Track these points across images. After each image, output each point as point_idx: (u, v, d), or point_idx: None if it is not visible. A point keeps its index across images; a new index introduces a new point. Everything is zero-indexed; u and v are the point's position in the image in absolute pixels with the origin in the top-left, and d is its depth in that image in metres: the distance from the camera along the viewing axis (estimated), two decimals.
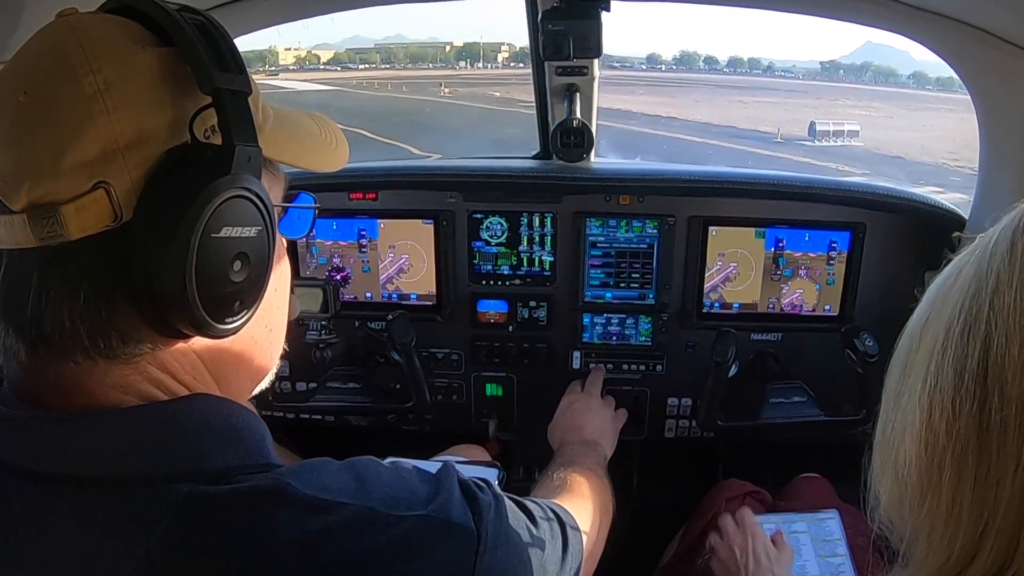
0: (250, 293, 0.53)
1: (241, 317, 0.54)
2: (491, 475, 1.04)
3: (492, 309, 1.62)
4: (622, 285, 1.57)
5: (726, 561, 1.10)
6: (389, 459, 1.05)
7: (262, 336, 0.60)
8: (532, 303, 1.61)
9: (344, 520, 0.51)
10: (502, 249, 1.59)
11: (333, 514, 0.51)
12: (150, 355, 0.52)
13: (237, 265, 0.51)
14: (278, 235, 0.56)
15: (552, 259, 1.59)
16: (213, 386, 0.57)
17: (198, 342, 0.54)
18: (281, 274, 0.61)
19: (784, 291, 1.57)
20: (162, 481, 0.49)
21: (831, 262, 1.54)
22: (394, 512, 0.53)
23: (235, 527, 0.48)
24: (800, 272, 1.55)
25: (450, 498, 0.57)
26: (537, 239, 1.58)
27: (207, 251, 0.48)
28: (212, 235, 0.48)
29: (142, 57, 0.48)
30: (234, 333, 0.54)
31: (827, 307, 1.57)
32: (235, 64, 0.51)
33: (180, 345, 0.54)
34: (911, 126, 26.14)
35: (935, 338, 0.45)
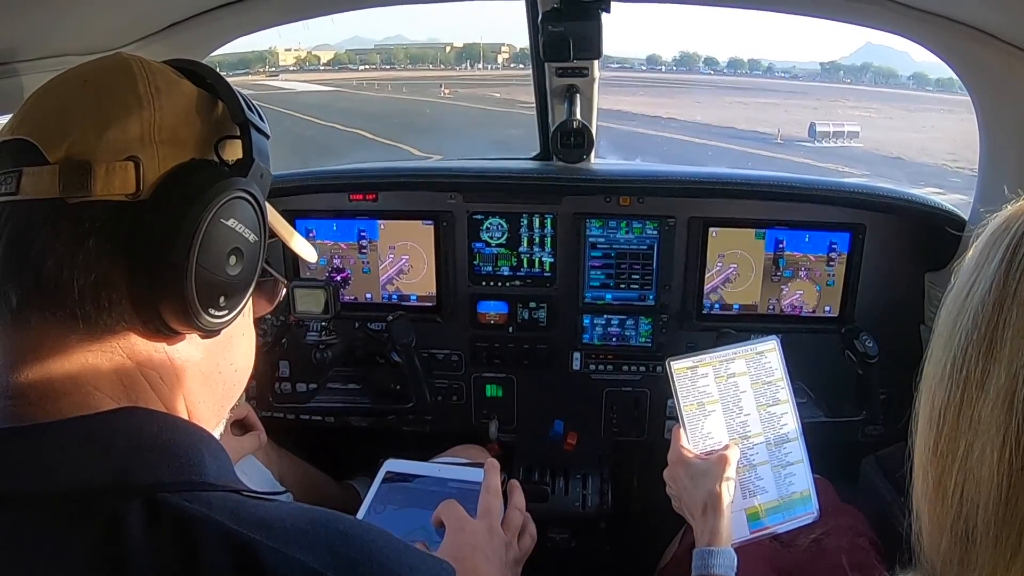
0: (236, 292, 0.56)
1: (222, 316, 0.55)
2: None
3: (492, 310, 1.62)
4: (622, 286, 1.58)
5: (674, 497, 1.07)
6: (389, 460, 1.06)
7: (227, 372, 0.61)
8: (532, 304, 1.61)
9: (271, 568, 0.47)
10: (502, 250, 1.59)
11: (263, 559, 0.47)
12: (124, 341, 0.52)
13: (233, 259, 0.55)
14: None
15: (552, 260, 1.59)
16: (181, 404, 0.57)
17: (176, 352, 0.55)
18: (250, 328, 0.65)
19: (784, 292, 1.57)
20: (88, 498, 0.47)
21: (831, 263, 1.54)
22: None
23: (156, 556, 0.46)
24: (800, 273, 1.55)
25: None
26: (537, 240, 1.58)
27: (214, 232, 0.52)
28: (221, 220, 0.53)
29: (184, 86, 0.57)
30: (211, 332, 0.55)
31: (827, 308, 1.57)
32: (259, 114, 0.59)
33: (160, 354, 0.54)
34: (911, 127, 26.13)
35: (1008, 389, 0.41)
